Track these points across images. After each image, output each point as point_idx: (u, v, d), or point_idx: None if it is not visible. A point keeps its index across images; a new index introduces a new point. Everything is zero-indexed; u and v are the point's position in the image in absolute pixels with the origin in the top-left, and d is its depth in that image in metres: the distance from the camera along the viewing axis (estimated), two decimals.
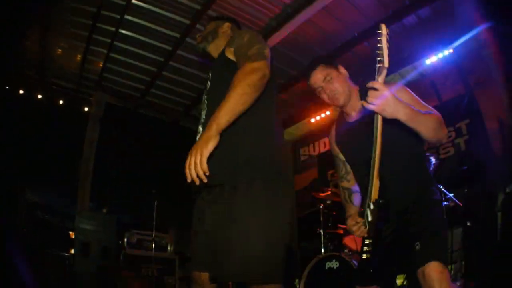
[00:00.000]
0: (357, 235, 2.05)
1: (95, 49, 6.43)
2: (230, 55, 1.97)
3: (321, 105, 7.23)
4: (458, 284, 3.84)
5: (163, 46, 6.12)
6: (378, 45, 1.84)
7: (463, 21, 4.76)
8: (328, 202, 4.96)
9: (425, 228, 1.97)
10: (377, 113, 1.79)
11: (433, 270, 1.84)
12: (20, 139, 6.32)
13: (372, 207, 1.95)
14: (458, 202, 4.19)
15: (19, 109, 6.64)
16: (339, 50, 5.85)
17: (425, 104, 2.07)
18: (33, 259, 4.49)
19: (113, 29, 5.81)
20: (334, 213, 5.06)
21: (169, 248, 6.46)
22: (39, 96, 7.25)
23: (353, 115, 2.29)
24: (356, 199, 2.31)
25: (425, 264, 1.86)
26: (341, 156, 2.39)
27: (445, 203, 4.12)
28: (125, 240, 5.93)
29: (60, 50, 6.71)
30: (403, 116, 1.76)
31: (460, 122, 5.50)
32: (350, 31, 5.54)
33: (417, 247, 1.92)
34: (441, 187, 4.27)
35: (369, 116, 1.92)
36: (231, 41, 2.03)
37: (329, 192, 4.97)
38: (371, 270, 2.02)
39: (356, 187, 2.34)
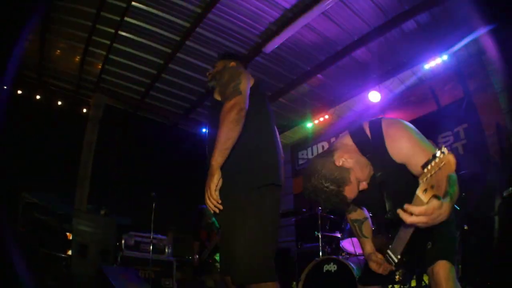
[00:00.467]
0: (381, 272, 2.01)
1: (95, 50, 6.45)
2: (217, 96, 2.36)
3: (319, 109, 7.28)
4: None
5: (163, 48, 6.14)
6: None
7: (462, 26, 4.80)
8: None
9: (436, 229, 1.93)
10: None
11: (442, 268, 1.86)
12: (19, 140, 6.32)
13: (396, 260, 1.86)
14: (455, 206, 4.20)
15: (18, 109, 6.63)
16: (338, 54, 5.88)
17: (423, 146, 1.79)
18: (30, 260, 4.48)
19: (113, 31, 5.82)
20: (332, 216, 5.08)
21: (167, 250, 6.46)
22: (38, 97, 7.26)
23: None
24: (367, 228, 2.32)
25: (435, 262, 1.88)
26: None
27: None
28: (123, 242, 5.92)
29: (59, 51, 6.72)
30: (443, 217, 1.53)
31: (458, 127, 5.54)
32: (349, 36, 5.57)
33: (429, 246, 1.93)
34: None
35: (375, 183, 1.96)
36: (217, 83, 2.39)
37: None
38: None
39: (365, 214, 2.37)
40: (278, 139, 2.40)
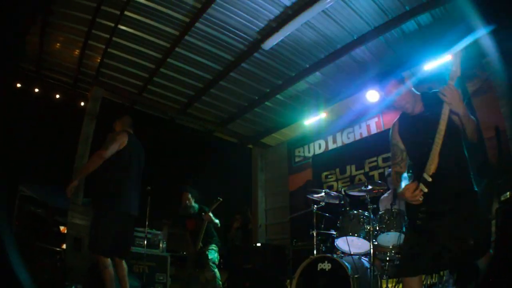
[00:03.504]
0: (412, 197, 2.41)
1: (94, 44, 6.42)
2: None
3: (316, 107, 7.27)
4: None
5: (162, 43, 6.11)
6: (453, 58, 2.41)
7: (462, 27, 4.78)
8: (322, 203, 4.98)
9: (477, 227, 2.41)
10: (446, 103, 2.34)
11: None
12: (15, 133, 6.29)
13: (429, 179, 2.34)
14: None
15: (17, 102, 6.60)
16: (337, 53, 5.87)
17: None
18: (24, 253, 4.48)
19: (113, 24, 5.80)
20: (327, 214, 5.08)
21: (161, 245, 6.46)
22: (36, 90, 7.22)
23: (415, 112, 2.76)
24: (404, 183, 2.67)
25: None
26: (401, 144, 2.84)
27: None
28: None
29: (59, 44, 6.69)
30: (461, 112, 2.35)
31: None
32: (349, 35, 5.56)
33: (471, 242, 2.33)
34: None
35: (431, 111, 2.56)
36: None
37: (323, 193, 4.98)
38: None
39: (405, 174, 2.76)
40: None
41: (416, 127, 2.71)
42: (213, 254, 5.42)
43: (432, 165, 2.35)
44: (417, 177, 2.51)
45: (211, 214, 5.53)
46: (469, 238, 2.34)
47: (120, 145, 4.12)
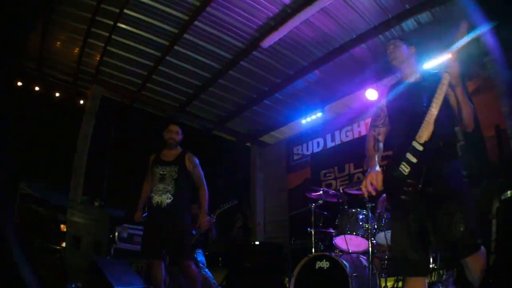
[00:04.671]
0: (369, 181, 2.34)
1: (93, 42, 6.41)
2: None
3: (315, 105, 7.27)
4: None
5: (161, 41, 6.11)
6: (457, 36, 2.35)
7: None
8: (320, 202, 4.99)
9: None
10: (446, 73, 2.21)
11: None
12: (16, 131, 6.28)
13: (420, 148, 2.14)
14: None
15: (17, 101, 6.59)
16: (336, 51, 5.87)
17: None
18: (23, 251, 4.46)
19: (112, 22, 5.79)
20: (325, 213, 5.09)
21: None
22: (37, 89, 7.22)
23: (411, 79, 2.65)
24: (380, 149, 2.58)
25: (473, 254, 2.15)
26: (385, 109, 2.68)
27: None
28: (116, 234, 5.92)
29: (59, 43, 6.68)
30: (459, 88, 2.23)
31: (456, 127, 5.52)
32: (348, 33, 5.56)
33: (461, 229, 2.09)
34: None
35: (429, 81, 2.41)
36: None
37: (321, 192, 4.98)
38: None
39: (381, 144, 2.63)
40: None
41: (409, 93, 2.55)
42: (201, 257, 5.42)
43: (425, 132, 2.15)
44: (398, 150, 2.32)
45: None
46: (454, 229, 2.09)
47: None
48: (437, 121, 2.16)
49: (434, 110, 2.15)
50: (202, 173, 4.26)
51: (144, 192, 4.37)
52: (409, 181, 2.15)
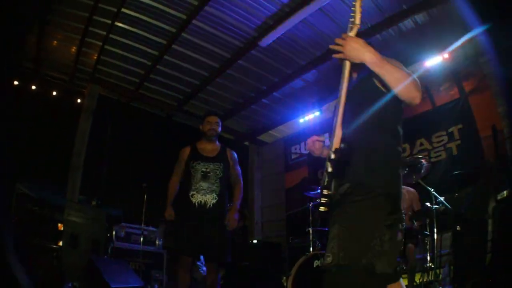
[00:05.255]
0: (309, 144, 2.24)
1: (91, 41, 6.39)
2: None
3: (313, 104, 7.28)
4: None
5: (159, 40, 6.10)
6: (352, 6, 1.95)
7: (459, 26, 4.79)
8: (318, 200, 4.98)
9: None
10: (345, 61, 1.93)
11: None
12: (12, 130, 6.26)
13: (332, 156, 1.81)
14: (448, 206, 4.25)
15: (14, 100, 6.57)
16: (334, 51, 5.86)
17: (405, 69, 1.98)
18: (20, 250, 4.46)
19: (109, 21, 5.78)
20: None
21: (157, 242, 6.46)
22: (34, 87, 7.19)
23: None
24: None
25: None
26: None
27: (436, 206, 4.18)
28: (114, 233, 5.91)
29: (56, 42, 6.65)
30: (369, 59, 1.86)
31: (452, 127, 5.55)
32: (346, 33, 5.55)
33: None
34: (432, 190, 4.33)
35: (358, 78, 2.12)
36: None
37: (319, 190, 4.98)
38: None
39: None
40: None
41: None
42: None
43: (334, 138, 1.86)
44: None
45: None
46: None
47: None
48: (346, 123, 1.89)
49: (338, 115, 1.89)
50: (240, 170, 4.08)
51: (173, 187, 3.96)
52: (324, 192, 1.82)
